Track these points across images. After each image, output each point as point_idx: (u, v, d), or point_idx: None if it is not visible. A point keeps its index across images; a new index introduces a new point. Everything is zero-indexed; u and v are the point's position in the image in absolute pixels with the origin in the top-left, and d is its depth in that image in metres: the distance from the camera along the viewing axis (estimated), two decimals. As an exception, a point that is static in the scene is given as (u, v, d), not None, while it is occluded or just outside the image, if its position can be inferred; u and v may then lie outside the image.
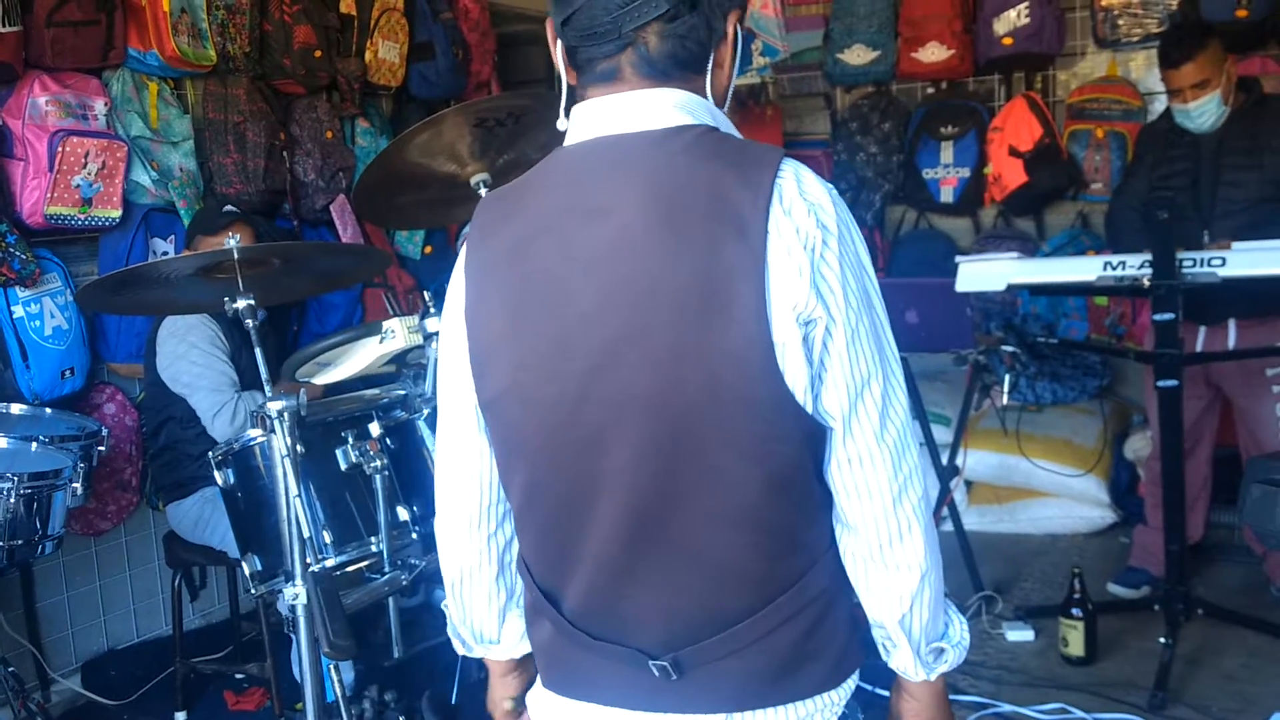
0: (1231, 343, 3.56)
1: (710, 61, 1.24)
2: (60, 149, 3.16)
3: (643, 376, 1.16)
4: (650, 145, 1.20)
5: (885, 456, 1.19)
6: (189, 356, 3.16)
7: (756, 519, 1.18)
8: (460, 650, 1.48)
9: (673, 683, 1.24)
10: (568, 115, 1.28)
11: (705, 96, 1.24)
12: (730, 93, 1.29)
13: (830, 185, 1.20)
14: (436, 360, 2.59)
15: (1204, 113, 3.41)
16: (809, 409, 1.16)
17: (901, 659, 1.27)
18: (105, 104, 3.38)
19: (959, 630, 1.29)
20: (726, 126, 1.25)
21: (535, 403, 1.22)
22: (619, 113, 1.22)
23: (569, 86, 1.28)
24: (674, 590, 1.22)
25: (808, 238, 1.14)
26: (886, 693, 1.33)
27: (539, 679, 1.38)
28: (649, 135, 1.20)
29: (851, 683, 1.28)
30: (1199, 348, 3.60)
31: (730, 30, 1.24)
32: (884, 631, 1.26)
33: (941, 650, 1.27)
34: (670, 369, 1.14)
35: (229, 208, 3.41)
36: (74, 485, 2.78)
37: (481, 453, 1.33)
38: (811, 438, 1.18)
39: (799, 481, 1.19)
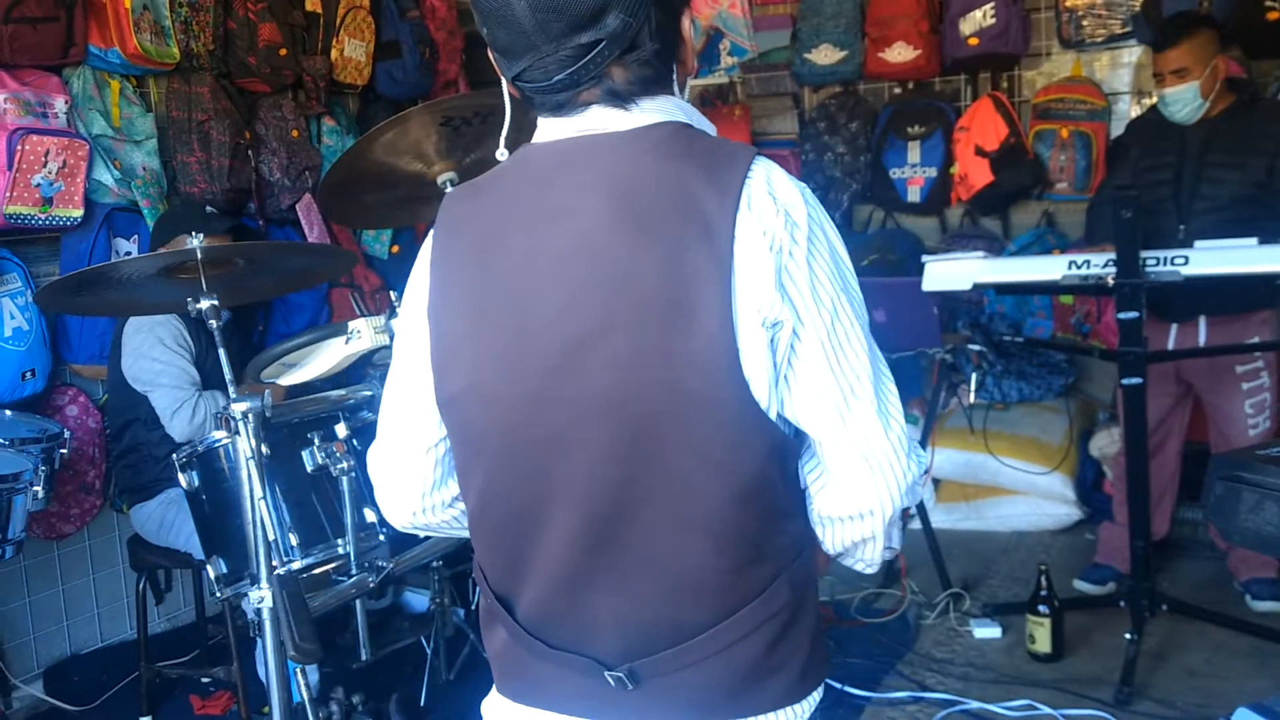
0: (1202, 340, 3.59)
1: (674, 71, 1.21)
2: (19, 147, 3.11)
3: (604, 378, 1.13)
4: (618, 144, 1.17)
5: (890, 445, 1.17)
6: (151, 354, 3.14)
7: (718, 527, 1.15)
8: None
9: (629, 693, 1.21)
10: (509, 147, 1.25)
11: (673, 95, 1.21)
12: (689, 76, 1.26)
13: (803, 185, 1.17)
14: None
15: (1179, 101, 3.43)
16: (773, 415, 1.14)
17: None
18: (66, 102, 3.34)
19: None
20: (699, 121, 1.22)
21: (495, 402, 1.20)
22: (588, 115, 1.19)
23: (513, 114, 1.24)
24: (632, 599, 1.19)
25: (774, 239, 1.11)
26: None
27: (494, 685, 1.36)
28: (617, 135, 1.17)
29: (816, 696, 1.25)
30: (1171, 345, 3.62)
31: (686, 30, 1.21)
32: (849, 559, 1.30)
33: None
34: (632, 371, 1.12)
35: (210, 209, 3.36)
36: (35, 488, 2.74)
37: (429, 448, 1.30)
38: (778, 447, 1.16)
39: (764, 491, 1.16)
